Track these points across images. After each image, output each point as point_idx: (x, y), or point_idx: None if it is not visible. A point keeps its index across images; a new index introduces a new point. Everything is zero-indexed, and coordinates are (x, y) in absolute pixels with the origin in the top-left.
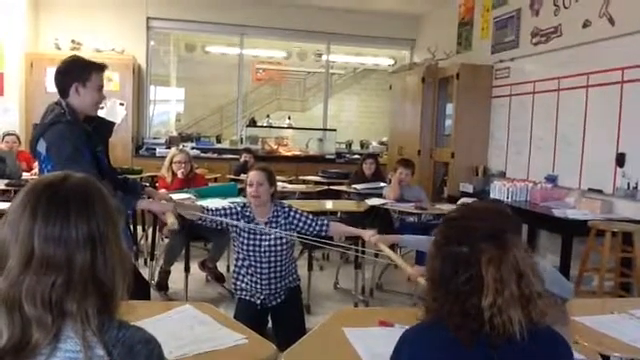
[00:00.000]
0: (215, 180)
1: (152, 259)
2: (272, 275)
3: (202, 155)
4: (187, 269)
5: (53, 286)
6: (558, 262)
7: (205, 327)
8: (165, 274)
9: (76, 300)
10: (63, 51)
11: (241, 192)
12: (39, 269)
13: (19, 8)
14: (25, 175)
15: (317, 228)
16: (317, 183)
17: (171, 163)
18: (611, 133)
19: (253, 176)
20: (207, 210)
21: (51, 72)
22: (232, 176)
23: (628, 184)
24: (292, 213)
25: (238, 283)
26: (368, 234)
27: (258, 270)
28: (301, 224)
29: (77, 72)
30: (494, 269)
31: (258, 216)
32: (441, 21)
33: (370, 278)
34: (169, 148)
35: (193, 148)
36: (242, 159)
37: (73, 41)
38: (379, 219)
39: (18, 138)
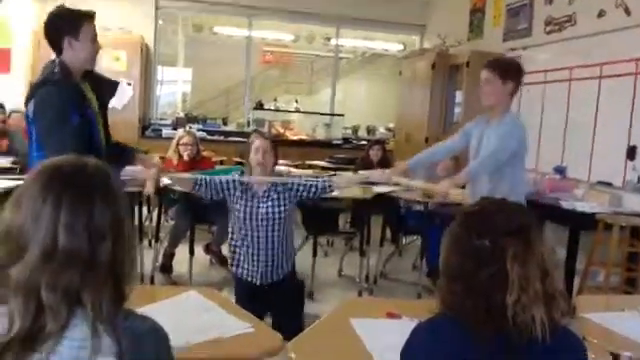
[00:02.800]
0: (221, 163)
1: (157, 241)
2: (270, 246)
3: (208, 137)
4: (192, 252)
5: (78, 276)
6: (564, 255)
7: (210, 314)
8: (169, 256)
9: (92, 291)
10: None
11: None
12: (63, 260)
13: None
14: None
15: (320, 187)
16: (323, 168)
17: (178, 145)
18: (623, 125)
19: (260, 143)
20: (203, 181)
21: None
22: (238, 159)
23: (638, 178)
24: (290, 181)
25: (235, 257)
26: (377, 173)
27: (255, 240)
28: (302, 188)
29: (67, 25)
30: (519, 265)
31: (256, 185)
32: (452, 7)
33: (374, 266)
34: (175, 129)
35: (199, 130)
36: (252, 140)
37: None
38: (384, 206)
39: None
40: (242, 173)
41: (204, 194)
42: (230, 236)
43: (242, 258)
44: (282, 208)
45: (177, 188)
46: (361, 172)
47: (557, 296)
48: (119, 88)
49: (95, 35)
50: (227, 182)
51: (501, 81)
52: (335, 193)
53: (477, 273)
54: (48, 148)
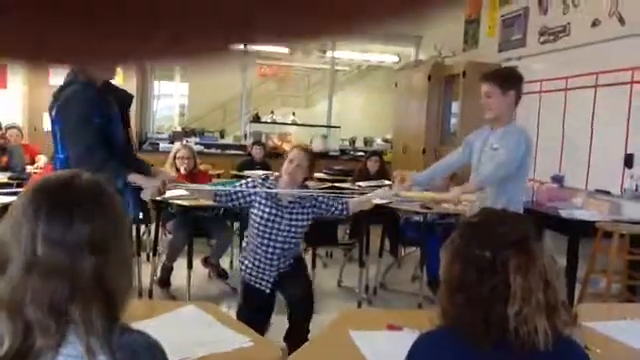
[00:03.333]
0: (218, 176)
1: (155, 255)
2: (284, 253)
3: (205, 151)
4: (190, 266)
5: (59, 291)
6: (564, 263)
7: (209, 329)
8: (168, 270)
9: (80, 306)
10: None
11: None
12: (44, 274)
13: None
14: (29, 168)
15: (339, 207)
16: (320, 180)
17: (174, 158)
18: (619, 134)
19: (296, 155)
20: (222, 192)
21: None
22: (235, 172)
23: (636, 186)
24: (317, 197)
25: (246, 263)
26: (382, 191)
27: (270, 250)
28: (324, 205)
29: None
30: (522, 277)
31: (283, 194)
32: (447, 18)
33: (374, 277)
34: (172, 143)
35: (197, 143)
36: (252, 151)
37: None
38: (383, 217)
39: (20, 131)
40: (267, 179)
41: (225, 204)
42: (245, 241)
43: (253, 266)
44: (304, 222)
45: (177, 202)
46: (368, 197)
47: (559, 307)
48: None
49: None
50: (252, 187)
51: (502, 92)
52: None
53: (478, 284)
54: (70, 146)
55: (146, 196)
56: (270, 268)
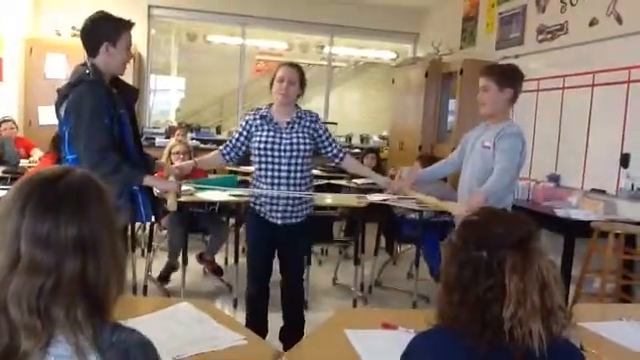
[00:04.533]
0: (214, 172)
1: (150, 250)
2: (291, 182)
3: (202, 146)
4: (185, 262)
5: (41, 290)
6: (559, 263)
7: (203, 326)
8: (171, 267)
9: (64, 306)
10: (63, 37)
11: (241, 184)
12: (26, 271)
13: None
14: (23, 162)
15: (334, 152)
16: (316, 177)
17: (170, 154)
18: (616, 133)
19: (285, 72)
20: (226, 150)
21: (51, 58)
22: (231, 167)
23: (632, 185)
24: (318, 122)
25: (255, 200)
26: (383, 180)
27: (277, 173)
28: (323, 138)
29: (108, 31)
30: (517, 278)
31: (279, 116)
32: (445, 16)
33: (369, 274)
34: (168, 138)
35: (193, 139)
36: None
37: (73, 27)
38: (380, 215)
39: (15, 124)
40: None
41: (233, 158)
42: (253, 173)
43: (263, 201)
44: (305, 141)
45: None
46: (368, 173)
47: (556, 310)
48: None
49: (130, 44)
50: (246, 122)
51: (498, 88)
52: (329, 201)
53: (474, 285)
54: (78, 146)
55: (173, 207)
56: (279, 201)
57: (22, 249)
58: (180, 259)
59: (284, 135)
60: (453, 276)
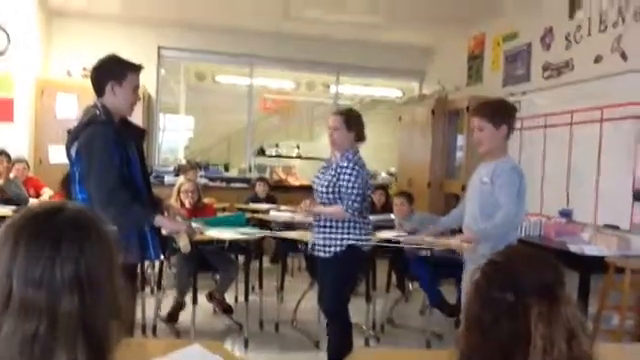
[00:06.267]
0: (224, 210)
1: (159, 289)
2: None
3: (210, 184)
4: (194, 301)
5: (35, 334)
6: (575, 299)
7: None
8: (179, 306)
9: (65, 350)
10: (74, 78)
11: (249, 222)
12: (18, 313)
13: (31, 35)
14: (33, 201)
15: (345, 205)
16: None
17: (179, 192)
18: (627, 168)
19: (330, 120)
20: None
21: (61, 98)
22: (240, 205)
23: None
24: (345, 171)
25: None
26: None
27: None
28: (342, 191)
29: (113, 70)
30: (544, 326)
31: (334, 160)
32: (451, 53)
33: (381, 312)
34: (177, 176)
35: (201, 176)
36: (256, 188)
37: (84, 68)
38: (391, 252)
39: (27, 164)
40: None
41: None
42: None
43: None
44: (329, 185)
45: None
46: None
47: (585, 358)
48: None
49: (137, 86)
50: None
51: (493, 126)
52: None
53: (496, 328)
54: (89, 186)
55: (186, 248)
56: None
57: (14, 289)
58: (189, 298)
59: (320, 176)
60: (474, 316)
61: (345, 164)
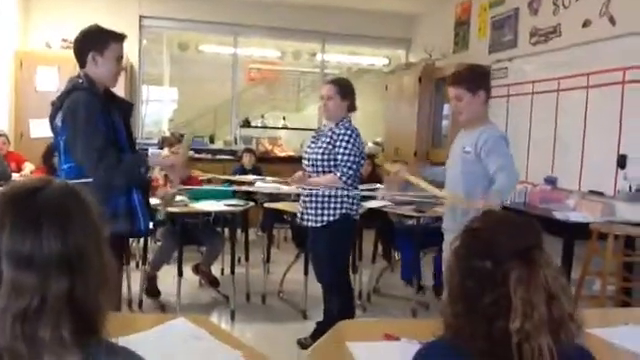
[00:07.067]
0: (209, 181)
1: (144, 263)
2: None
3: (196, 156)
4: (180, 273)
5: (25, 313)
6: (559, 265)
7: (199, 343)
8: (152, 279)
9: (50, 326)
10: (54, 49)
11: (236, 194)
12: (7, 293)
13: (9, 6)
14: (15, 176)
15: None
16: None
17: None
18: (612, 134)
19: (323, 89)
20: None
21: (41, 71)
22: (226, 177)
23: (630, 186)
24: (342, 138)
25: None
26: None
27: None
28: (337, 155)
29: (94, 40)
30: (523, 290)
31: (326, 122)
32: (437, 21)
33: (367, 282)
34: (162, 148)
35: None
36: (243, 159)
37: (64, 40)
38: (377, 221)
39: (7, 138)
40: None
41: None
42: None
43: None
44: (325, 151)
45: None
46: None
47: (566, 320)
48: None
49: (121, 56)
50: None
51: (471, 94)
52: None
53: (479, 296)
54: (76, 150)
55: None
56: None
57: (3, 269)
58: (169, 270)
59: (312, 144)
60: (457, 286)
61: (343, 131)
